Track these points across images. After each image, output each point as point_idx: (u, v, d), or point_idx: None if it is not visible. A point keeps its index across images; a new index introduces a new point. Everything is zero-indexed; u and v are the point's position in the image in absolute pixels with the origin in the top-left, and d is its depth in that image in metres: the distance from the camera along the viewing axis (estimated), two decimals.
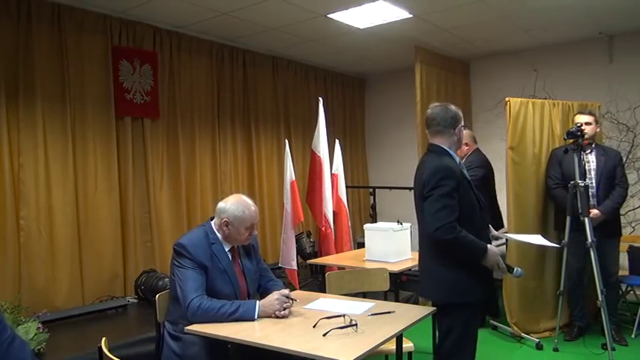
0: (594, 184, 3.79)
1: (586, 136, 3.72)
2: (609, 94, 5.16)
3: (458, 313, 2.36)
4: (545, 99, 4.73)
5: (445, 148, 2.43)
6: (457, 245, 2.27)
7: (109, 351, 1.81)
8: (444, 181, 2.27)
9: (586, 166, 3.79)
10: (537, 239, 2.97)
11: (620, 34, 5.27)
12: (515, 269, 2.42)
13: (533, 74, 5.71)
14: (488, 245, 2.35)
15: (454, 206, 2.26)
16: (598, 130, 3.95)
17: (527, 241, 2.99)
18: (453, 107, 2.47)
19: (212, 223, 2.43)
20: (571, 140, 3.69)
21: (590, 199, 3.74)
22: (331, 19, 4.55)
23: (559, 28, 5.07)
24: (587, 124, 3.78)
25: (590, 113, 3.88)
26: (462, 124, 2.48)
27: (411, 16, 4.51)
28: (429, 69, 5.33)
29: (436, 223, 2.24)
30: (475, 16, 4.58)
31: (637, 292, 4.25)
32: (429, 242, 2.39)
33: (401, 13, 4.46)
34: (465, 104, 6.11)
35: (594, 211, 3.67)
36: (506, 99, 4.02)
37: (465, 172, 2.45)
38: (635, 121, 5.21)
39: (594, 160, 3.84)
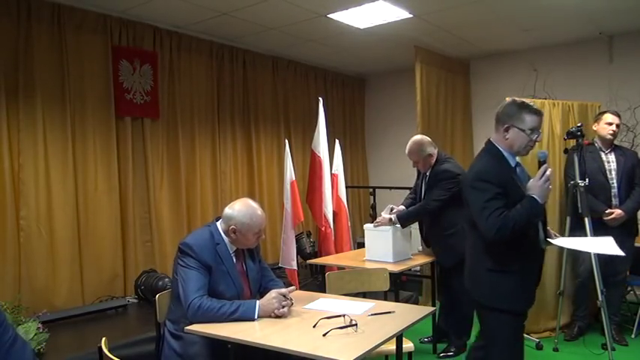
0: (615, 184, 3.81)
1: (613, 138, 3.81)
2: (609, 94, 5.16)
3: (502, 320, 2.29)
4: (545, 99, 4.73)
5: (496, 145, 2.30)
6: (515, 231, 2.13)
7: (109, 351, 1.81)
8: (485, 185, 2.19)
9: (606, 166, 3.82)
10: (599, 246, 2.54)
11: (620, 34, 5.26)
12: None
13: (533, 74, 5.71)
14: (527, 193, 2.16)
15: (501, 207, 2.15)
16: None
17: (586, 250, 2.59)
18: (510, 101, 2.29)
19: (217, 223, 2.42)
20: (571, 140, 3.69)
21: (612, 198, 3.78)
22: (331, 19, 4.54)
23: (559, 28, 5.07)
24: (617, 125, 3.82)
25: (618, 114, 3.89)
26: (515, 124, 2.22)
27: (411, 16, 4.51)
28: (429, 69, 5.33)
29: (491, 229, 2.14)
30: (475, 16, 4.58)
31: (637, 292, 4.25)
32: (480, 244, 2.30)
33: (401, 13, 4.46)
34: (465, 104, 6.10)
35: (617, 211, 3.70)
36: (506, 99, 4.02)
37: (519, 170, 2.31)
38: (635, 121, 5.21)
39: (614, 159, 3.86)
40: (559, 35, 5.31)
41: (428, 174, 3.72)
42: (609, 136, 3.80)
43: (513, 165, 2.28)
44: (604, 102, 4.91)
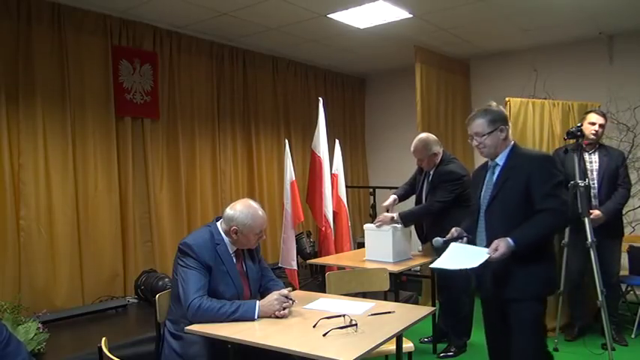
0: (596, 185, 3.77)
1: (596, 138, 3.76)
2: (609, 95, 5.15)
3: None
4: (545, 99, 4.73)
5: None
6: None
7: (109, 351, 1.81)
8: None
9: (588, 166, 3.78)
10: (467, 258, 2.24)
11: (620, 34, 5.26)
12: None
13: (533, 74, 5.71)
14: None
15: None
16: None
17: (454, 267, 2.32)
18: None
19: (218, 223, 2.42)
20: (571, 140, 3.69)
21: (592, 199, 3.73)
22: (331, 19, 4.55)
23: (559, 28, 5.07)
24: (600, 125, 3.78)
25: (603, 114, 3.86)
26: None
27: (411, 16, 4.51)
28: (429, 69, 5.33)
29: None
30: (475, 16, 4.58)
31: (637, 292, 4.25)
32: None
33: (401, 13, 4.46)
34: (465, 104, 6.10)
35: (596, 212, 3.66)
36: (506, 99, 4.03)
37: (490, 173, 2.52)
38: (635, 121, 5.21)
39: (597, 160, 3.82)
40: (559, 35, 5.31)
41: (432, 173, 3.71)
42: (592, 136, 3.75)
43: (488, 166, 2.55)
44: (604, 102, 4.91)
